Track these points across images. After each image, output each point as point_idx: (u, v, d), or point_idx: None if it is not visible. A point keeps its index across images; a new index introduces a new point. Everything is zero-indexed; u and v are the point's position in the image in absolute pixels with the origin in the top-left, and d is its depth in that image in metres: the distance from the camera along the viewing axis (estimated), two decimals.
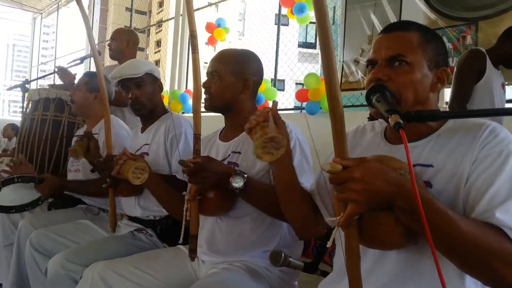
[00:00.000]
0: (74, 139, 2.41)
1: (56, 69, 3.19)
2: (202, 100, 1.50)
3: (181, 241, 1.42)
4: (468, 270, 0.85)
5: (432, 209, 0.77)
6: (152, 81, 1.94)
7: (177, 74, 6.51)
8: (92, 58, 2.04)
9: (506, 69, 2.81)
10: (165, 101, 6.03)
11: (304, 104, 4.46)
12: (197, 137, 1.39)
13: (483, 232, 0.80)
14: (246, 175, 1.30)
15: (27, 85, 3.04)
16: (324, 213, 1.15)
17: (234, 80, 1.48)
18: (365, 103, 0.98)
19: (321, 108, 4.18)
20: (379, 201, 0.78)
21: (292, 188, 1.15)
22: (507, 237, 0.81)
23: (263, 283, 1.36)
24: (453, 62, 3.27)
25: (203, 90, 1.48)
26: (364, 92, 0.99)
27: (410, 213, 0.78)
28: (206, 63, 1.67)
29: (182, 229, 1.41)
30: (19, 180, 2.17)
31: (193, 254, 1.37)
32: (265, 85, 5.07)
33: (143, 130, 2.02)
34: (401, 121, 0.79)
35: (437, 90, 1.01)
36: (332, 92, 0.82)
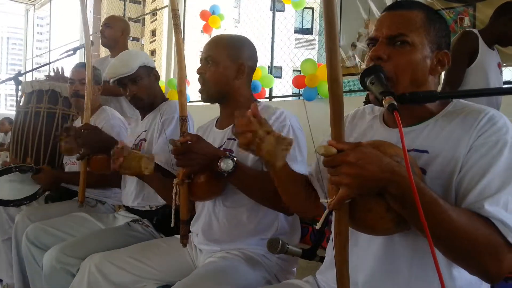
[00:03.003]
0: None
1: (52, 72, 3.16)
2: (192, 86, 1.47)
3: (172, 225, 1.40)
4: (454, 259, 0.85)
5: (424, 197, 0.76)
6: (148, 73, 1.90)
7: (173, 63, 6.45)
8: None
9: (504, 51, 2.78)
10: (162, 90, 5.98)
11: (302, 90, 4.43)
12: (183, 119, 1.36)
13: (473, 223, 0.79)
14: (235, 159, 1.28)
15: (20, 78, 3.01)
16: (321, 195, 1.14)
17: (229, 65, 1.45)
18: (362, 87, 0.96)
19: (318, 94, 4.15)
20: (371, 187, 0.77)
21: (287, 178, 1.14)
22: (496, 229, 0.80)
23: (261, 270, 1.36)
24: None
25: (196, 78, 1.46)
26: None
27: (401, 200, 0.77)
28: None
29: (173, 214, 1.39)
30: (17, 169, 2.16)
31: (184, 239, 1.36)
32: (262, 73, 5.03)
33: (142, 117, 2.01)
34: (395, 103, 0.77)
35: (437, 73, 0.98)
36: (333, 75, 0.81)
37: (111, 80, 1.87)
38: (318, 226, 0.87)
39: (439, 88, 1.01)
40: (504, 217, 0.80)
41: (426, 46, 0.95)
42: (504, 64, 3.02)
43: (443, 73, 2.61)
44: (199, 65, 1.48)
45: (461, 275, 0.91)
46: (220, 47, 1.47)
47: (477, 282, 0.92)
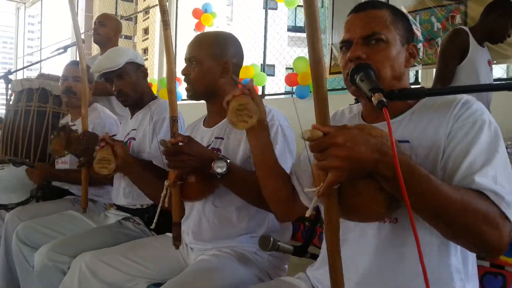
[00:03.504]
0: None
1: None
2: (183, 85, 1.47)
3: (153, 226, 1.41)
4: (453, 236, 0.84)
5: (415, 175, 0.76)
6: (135, 69, 1.88)
7: (165, 61, 6.42)
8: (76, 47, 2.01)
9: (494, 49, 2.79)
10: (154, 89, 5.97)
11: (294, 88, 4.44)
12: (173, 120, 1.35)
13: (468, 196, 0.80)
14: (228, 160, 1.27)
15: (10, 76, 2.98)
16: (300, 193, 1.15)
17: (213, 64, 1.44)
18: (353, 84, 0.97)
19: (310, 91, 4.15)
20: (361, 168, 0.76)
21: (268, 162, 1.15)
22: (489, 200, 0.81)
23: (253, 268, 1.36)
24: None
25: (183, 77, 1.46)
26: None
27: (392, 180, 0.76)
28: None
29: (157, 214, 1.38)
30: (10, 161, 2.15)
31: (177, 241, 1.35)
32: (255, 70, 5.03)
33: (132, 116, 2.00)
34: (384, 100, 0.77)
35: (410, 65, 1.03)
36: (316, 57, 0.79)
37: (97, 75, 1.86)
38: (308, 213, 0.85)
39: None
40: (495, 188, 0.81)
41: (398, 41, 0.99)
42: (494, 62, 3.05)
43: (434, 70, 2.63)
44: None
45: (452, 262, 0.91)
46: (203, 46, 1.45)
47: (469, 268, 0.93)
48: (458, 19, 3.66)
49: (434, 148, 0.90)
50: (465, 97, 0.93)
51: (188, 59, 1.47)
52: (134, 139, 1.88)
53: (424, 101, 0.99)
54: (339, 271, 0.80)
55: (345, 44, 1.02)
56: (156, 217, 1.39)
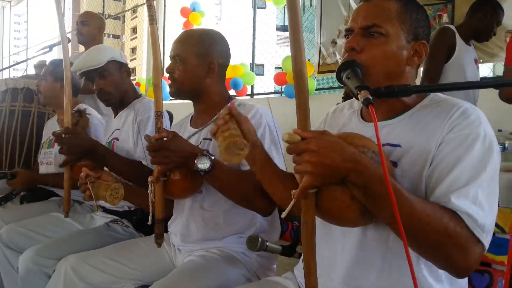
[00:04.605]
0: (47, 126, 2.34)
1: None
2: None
3: (149, 222, 1.38)
4: (420, 252, 0.84)
5: (385, 188, 0.75)
6: (117, 68, 1.85)
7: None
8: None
9: (481, 48, 2.82)
10: (142, 89, 5.92)
11: (283, 87, 4.43)
12: (158, 115, 1.32)
13: (438, 216, 0.79)
14: (213, 157, 1.24)
15: None
16: None
17: (198, 63, 1.41)
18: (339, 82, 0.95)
19: None
20: (333, 175, 0.76)
21: (270, 174, 1.13)
22: (462, 222, 0.79)
23: (241, 268, 1.34)
24: None
25: (167, 75, 1.44)
26: None
27: (363, 190, 0.77)
28: None
29: (150, 212, 1.35)
30: None
31: (159, 239, 1.33)
32: (243, 70, 5.02)
33: (115, 115, 1.97)
34: (370, 97, 0.76)
35: (415, 64, 0.98)
36: (299, 71, 0.79)
37: (78, 73, 1.82)
38: (283, 214, 0.85)
39: (418, 81, 1.01)
40: (471, 210, 0.79)
41: (401, 37, 0.94)
42: (481, 61, 3.08)
43: (422, 67, 2.65)
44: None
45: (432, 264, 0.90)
46: (188, 45, 1.42)
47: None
48: (445, 18, 3.69)
49: (423, 155, 0.87)
50: (465, 105, 0.89)
51: (172, 57, 1.43)
52: (117, 139, 1.85)
53: (425, 103, 0.95)
54: (314, 273, 0.80)
55: (348, 33, 0.99)
56: (150, 214, 1.36)
